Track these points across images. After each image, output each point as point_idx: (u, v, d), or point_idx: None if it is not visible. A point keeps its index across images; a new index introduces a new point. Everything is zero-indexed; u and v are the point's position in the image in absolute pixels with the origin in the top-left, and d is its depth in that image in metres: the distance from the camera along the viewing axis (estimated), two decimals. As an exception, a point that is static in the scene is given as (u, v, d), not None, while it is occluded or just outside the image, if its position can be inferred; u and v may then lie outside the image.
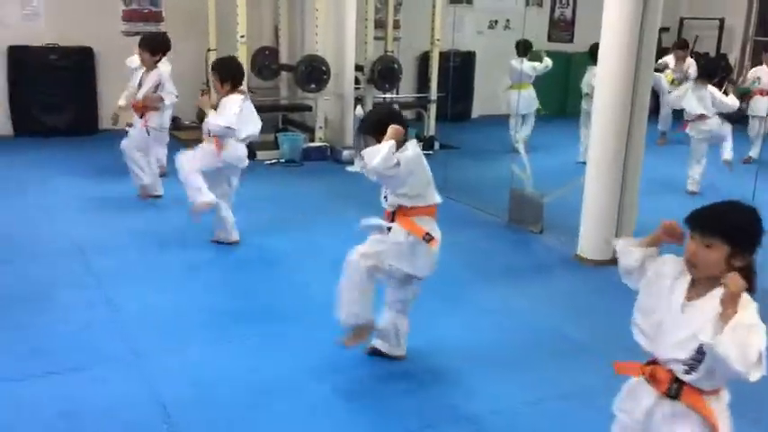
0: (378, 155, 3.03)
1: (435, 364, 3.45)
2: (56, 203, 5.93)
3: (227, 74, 4.76)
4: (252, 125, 4.92)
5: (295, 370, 3.37)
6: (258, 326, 3.84)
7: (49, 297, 4.06)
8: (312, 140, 8.32)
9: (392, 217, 3.24)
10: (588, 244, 5.08)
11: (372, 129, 3.21)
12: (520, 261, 5.21)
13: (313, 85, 8.10)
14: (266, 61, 9.16)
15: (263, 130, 8.70)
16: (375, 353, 3.47)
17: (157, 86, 6.04)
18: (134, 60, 6.57)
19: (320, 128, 8.34)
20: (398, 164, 3.04)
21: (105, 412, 2.95)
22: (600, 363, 3.59)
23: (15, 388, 3.10)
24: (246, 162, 5.00)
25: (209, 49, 8.53)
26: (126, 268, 4.60)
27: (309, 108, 8.66)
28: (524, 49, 8.74)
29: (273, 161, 7.92)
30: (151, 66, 6.03)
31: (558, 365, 3.57)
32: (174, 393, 3.12)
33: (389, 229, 3.22)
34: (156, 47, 6.08)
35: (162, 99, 6.05)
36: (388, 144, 3.05)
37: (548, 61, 8.73)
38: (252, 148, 7.96)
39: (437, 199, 3.26)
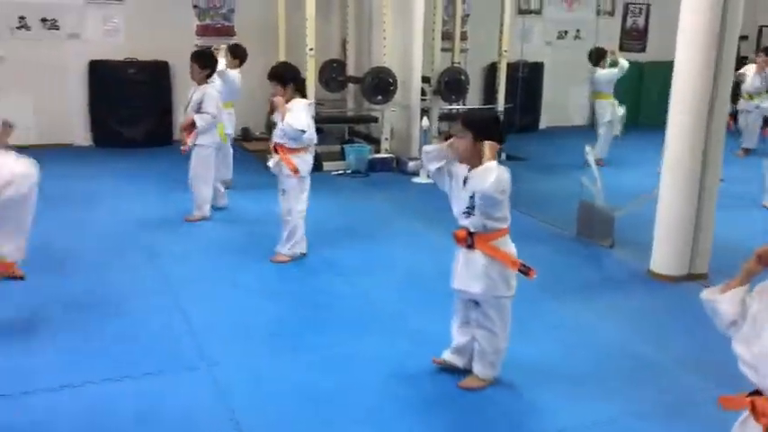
0: (489, 177, 2.95)
1: (502, 380, 3.40)
2: (131, 212, 6.13)
3: (286, 77, 4.79)
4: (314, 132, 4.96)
5: (363, 381, 3.37)
6: (326, 337, 3.86)
7: (126, 303, 4.19)
8: (378, 152, 8.36)
9: (470, 239, 3.14)
10: (662, 259, 4.92)
11: (475, 127, 3.08)
12: (589, 276, 5.09)
13: (380, 97, 8.16)
14: (333, 74, 9.30)
15: (330, 141, 8.95)
16: (446, 366, 3.45)
17: (200, 104, 5.76)
18: None
19: (386, 139, 8.38)
20: (504, 190, 3.01)
21: (178, 416, 3.03)
22: (674, 382, 3.48)
23: (94, 390, 3.21)
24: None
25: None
26: (198, 277, 4.71)
27: (375, 119, 8.73)
28: (597, 57, 8.57)
29: (340, 172, 8.00)
30: (200, 80, 5.84)
31: (630, 384, 3.46)
32: (243, 401, 3.16)
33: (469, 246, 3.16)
34: (205, 60, 5.94)
35: (193, 123, 5.73)
36: (495, 167, 2.97)
37: (623, 63, 8.49)
38: (318, 159, 8.09)
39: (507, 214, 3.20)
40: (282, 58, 8.65)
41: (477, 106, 10.18)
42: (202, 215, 5.91)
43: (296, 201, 4.91)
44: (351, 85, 9.37)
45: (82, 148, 9.06)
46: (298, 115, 4.67)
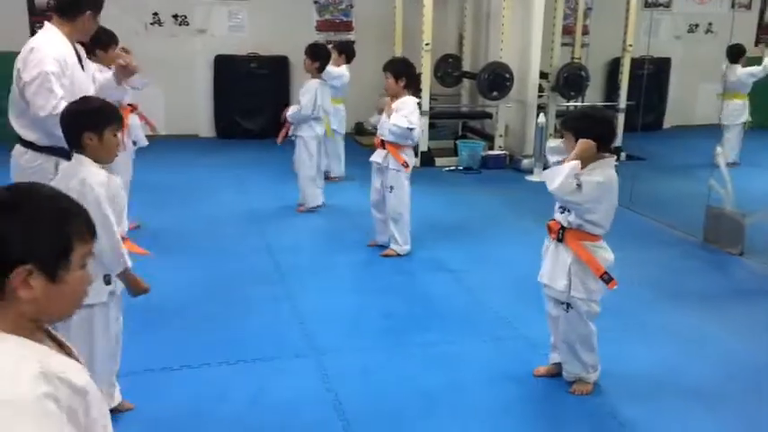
0: (557, 177, 2.85)
1: (613, 386, 3.24)
2: (247, 201, 6.35)
3: (400, 70, 4.78)
4: (420, 130, 4.98)
5: (469, 380, 3.32)
6: (433, 334, 3.83)
7: (239, 291, 4.33)
8: (491, 148, 8.23)
9: (561, 233, 3.04)
10: (798, 270, 4.56)
11: (574, 128, 2.97)
12: (716, 285, 4.78)
13: (495, 93, 8.02)
14: (449, 69, 9.23)
15: (443, 137, 8.91)
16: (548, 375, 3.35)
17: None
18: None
19: (500, 136, 8.23)
20: (579, 187, 2.84)
21: (285, 400, 3.09)
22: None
23: (210, 371, 3.33)
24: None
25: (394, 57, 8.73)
26: (308, 268, 4.79)
27: (490, 116, 8.59)
28: (736, 54, 8.03)
29: (452, 168, 7.93)
30: (312, 72, 5.91)
31: (753, 402, 3.21)
32: (350, 392, 3.18)
33: (559, 240, 3.05)
34: (316, 53, 5.98)
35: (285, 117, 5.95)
36: (569, 165, 2.84)
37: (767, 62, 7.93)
38: (430, 155, 8.08)
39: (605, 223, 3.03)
40: (399, 54, 8.70)
41: (597, 103, 9.81)
42: (308, 207, 6.02)
43: (405, 195, 4.91)
44: (466, 81, 9.27)
45: (206, 138, 9.49)
46: (406, 113, 4.66)
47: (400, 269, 4.83)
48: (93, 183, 2.49)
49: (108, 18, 8.43)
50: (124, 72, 3.56)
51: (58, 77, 3.19)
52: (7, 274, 1.24)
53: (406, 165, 4.82)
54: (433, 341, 3.73)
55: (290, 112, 5.95)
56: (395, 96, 4.77)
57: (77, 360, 1.41)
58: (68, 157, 3.25)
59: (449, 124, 9.28)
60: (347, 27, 9.77)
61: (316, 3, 9.62)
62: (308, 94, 5.84)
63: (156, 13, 9.08)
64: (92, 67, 3.77)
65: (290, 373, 3.35)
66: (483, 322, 3.98)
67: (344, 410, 3.03)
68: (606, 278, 2.98)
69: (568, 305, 3.08)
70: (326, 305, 4.17)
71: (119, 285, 2.70)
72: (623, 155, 8.40)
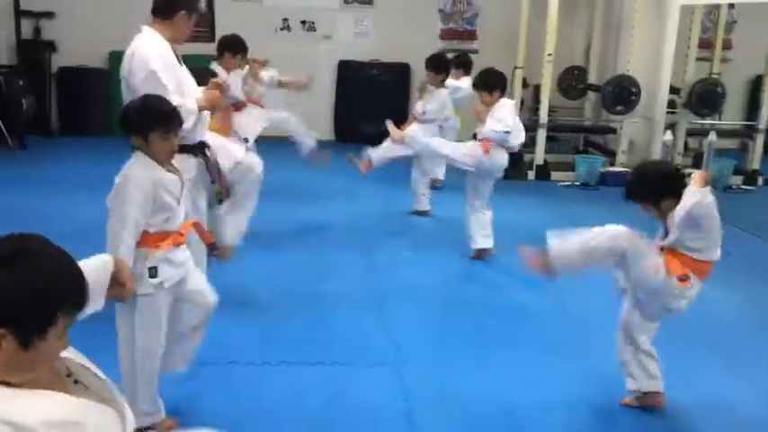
0: (701, 195, 2.79)
1: (707, 425, 2.98)
2: (357, 205, 6.45)
3: (494, 83, 4.76)
4: (521, 134, 4.85)
5: (552, 403, 3.16)
6: (522, 351, 3.69)
7: (330, 293, 4.36)
8: (612, 164, 7.86)
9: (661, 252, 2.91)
10: None
11: (642, 194, 2.99)
12: None
13: (619, 107, 7.66)
14: (573, 81, 8.93)
15: (562, 151, 8.62)
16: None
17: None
18: None
19: (622, 152, 7.85)
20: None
21: (358, 409, 3.05)
22: None
23: (289, 371, 3.36)
24: (502, 173, 4.98)
25: (515, 67, 8.56)
26: (404, 274, 4.77)
27: (614, 131, 8.22)
28: None
29: (568, 183, 7.65)
30: (437, 84, 5.98)
31: None
32: (424, 404, 3.12)
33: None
34: (439, 65, 6.03)
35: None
36: (704, 190, 2.80)
37: None
38: (546, 169, 7.84)
39: (716, 255, 2.86)
40: (521, 64, 8.53)
41: (736, 122, 9.14)
42: (420, 209, 6.05)
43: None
44: (590, 94, 8.93)
45: (325, 141, 9.68)
46: (500, 116, 4.60)
47: (499, 283, 4.70)
48: (129, 179, 2.50)
49: (240, 22, 8.94)
50: (217, 89, 3.68)
51: (166, 74, 3.34)
52: None
53: (486, 151, 4.71)
54: (519, 360, 3.58)
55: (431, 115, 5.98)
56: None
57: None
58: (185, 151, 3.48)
59: (570, 138, 8.97)
60: (471, 36, 9.69)
61: (440, 11, 9.62)
62: (437, 102, 5.97)
63: (285, 19, 9.42)
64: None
65: (368, 379, 3.32)
66: (576, 345, 3.78)
67: (416, 423, 2.96)
68: (682, 277, 2.83)
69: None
70: (416, 314, 4.12)
71: (168, 277, 2.60)
72: (760, 179, 7.78)
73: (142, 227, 2.49)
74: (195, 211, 3.52)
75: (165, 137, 2.57)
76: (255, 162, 4.23)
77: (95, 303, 1.70)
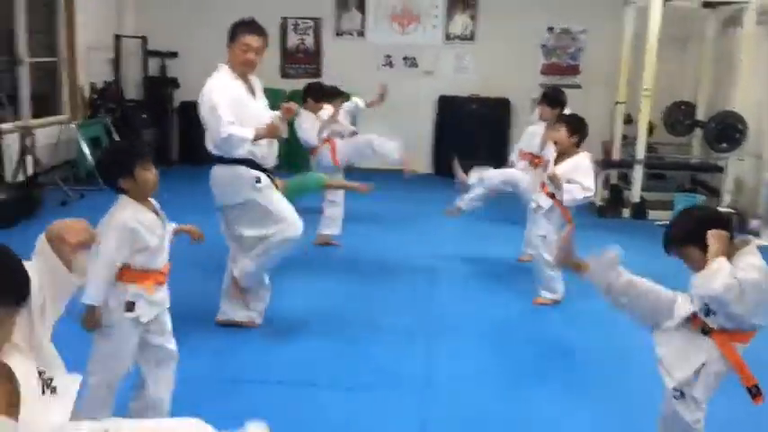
0: (715, 280, 2.28)
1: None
2: (441, 236, 6.54)
3: (577, 127, 4.59)
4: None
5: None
6: (556, 389, 3.60)
7: (386, 318, 4.46)
8: (717, 204, 7.41)
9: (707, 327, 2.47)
10: None
11: (682, 238, 2.48)
12: None
13: (724, 144, 7.25)
14: (681, 116, 8.54)
15: (664, 189, 8.23)
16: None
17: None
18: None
19: (728, 192, 7.39)
20: (744, 290, 2.27)
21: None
22: None
23: (316, 393, 3.47)
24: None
25: (617, 102, 8.34)
26: (458, 304, 4.82)
27: (720, 169, 7.76)
28: None
29: (665, 222, 7.28)
30: (553, 119, 5.47)
31: None
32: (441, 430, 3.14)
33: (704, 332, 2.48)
34: (555, 99, 5.79)
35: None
36: (722, 262, 2.30)
37: None
38: (643, 206, 7.53)
39: (764, 322, 2.43)
40: (623, 99, 8.30)
41: None
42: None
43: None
44: (698, 130, 8.49)
45: (424, 175, 9.84)
46: (582, 180, 4.46)
47: (553, 319, 4.60)
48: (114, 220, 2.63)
49: (345, 58, 9.32)
50: (287, 113, 3.93)
51: (224, 107, 3.62)
52: None
53: (569, 220, 4.60)
54: (550, 398, 3.50)
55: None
56: (563, 152, 4.57)
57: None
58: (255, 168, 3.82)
59: (673, 176, 8.56)
60: (573, 71, 9.54)
61: (543, 47, 9.55)
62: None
63: (388, 56, 9.72)
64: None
65: (390, 404, 3.36)
66: (628, 384, 3.64)
67: (426, 452, 2.98)
68: (755, 391, 2.43)
69: (681, 393, 2.52)
70: (463, 347, 4.12)
71: (143, 314, 2.67)
72: None
73: (117, 265, 2.59)
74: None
75: (147, 167, 2.69)
76: None
77: (65, 282, 1.79)
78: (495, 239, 6.37)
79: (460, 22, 9.57)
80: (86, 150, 7.86)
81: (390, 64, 9.71)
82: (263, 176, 3.85)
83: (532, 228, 4.89)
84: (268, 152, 3.86)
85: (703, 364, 2.47)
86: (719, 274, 2.28)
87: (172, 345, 2.84)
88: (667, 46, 7.65)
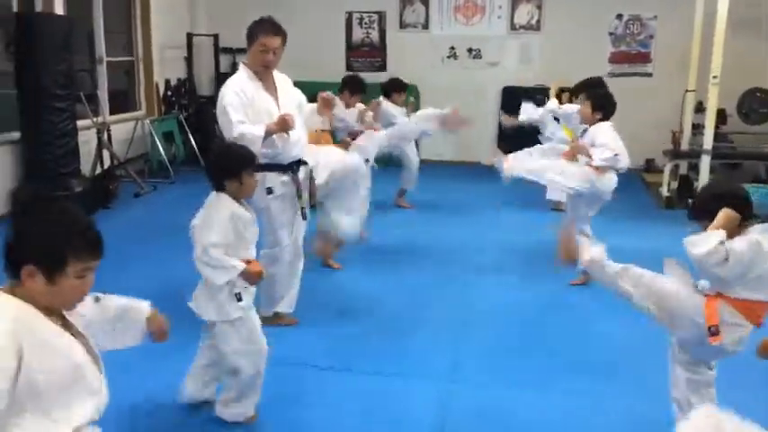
0: (702, 245, 2.45)
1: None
2: (497, 229, 6.56)
3: (601, 103, 4.69)
4: (625, 156, 4.70)
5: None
6: (586, 381, 3.57)
7: (425, 310, 4.53)
8: (792, 197, 7.06)
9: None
10: None
11: (701, 211, 2.62)
12: None
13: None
14: (755, 104, 8.16)
15: (740, 180, 7.88)
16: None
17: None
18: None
19: (804, 183, 7.03)
20: (727, 259, 2.42)
21: (391, 418, 3.20)
22: None
23: (346, 377, 3.58)
24: (610, 195, 4.79)
25: (687, 90, 8.05)
26: (501, 294, 4.83)
27: (796, 159, 7.39)
28: None
29: (733, 215, 7.01)
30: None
31: None
32: (459, 421, 3.18)
33: None
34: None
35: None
36: (716, 234, 2.45)
37: None
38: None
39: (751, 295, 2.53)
40: (692, 87, 8.02)
41: None
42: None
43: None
44: (776, 118, 8.10)
45: (487, 167, 9.78)
46: (610, 141, 4.53)
47: (592, 310, 4.56)
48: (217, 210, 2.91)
49: (409, 51, 9.38)
50: (325, 104, 4.04)
51: (235, 108, 3.72)
52: (20, 268, 1.68)
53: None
54: (578, 390, 3.48)
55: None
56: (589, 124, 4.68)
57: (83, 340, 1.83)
58: (278, 169, 3.93)
59: (746, 165, 8.19)
60: (644, 59, 9.26)
61: (611, 34, 9.31)
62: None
63: (452, 47, 9.71)
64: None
65: (413, 392, 3.42)
66: (653, 381, 3.56)
67: (442, 438, 3.04)
68: (713, 330, 2.55)
69: None
70: (493, 335, 4.15)
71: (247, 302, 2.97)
72: None
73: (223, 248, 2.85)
74: (295, 220, 4.06)
75: (253, 173, 2.99)
76: (351, 167, 4.56)
77: (125, 338, 2.22)
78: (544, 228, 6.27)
79: (526, 11, 9.45)
80: (159, 145, 8.26)
81: (455, 56, 9.71)
82: (277, 187, 3.91)
83: (571, 212, 4.88)
84: (284, 147, 3.85)
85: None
86: (707, 240, 2.45)
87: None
88: (740, 30, 7.33)
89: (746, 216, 2.55)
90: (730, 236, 2.48)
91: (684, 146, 7.87)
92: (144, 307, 2.24)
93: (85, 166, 7.22)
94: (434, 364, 3.74)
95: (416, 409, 3.27)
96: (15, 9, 6.73)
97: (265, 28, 3.81)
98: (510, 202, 7.53)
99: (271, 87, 3.92)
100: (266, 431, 3.11)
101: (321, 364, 3.72)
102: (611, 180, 4.70)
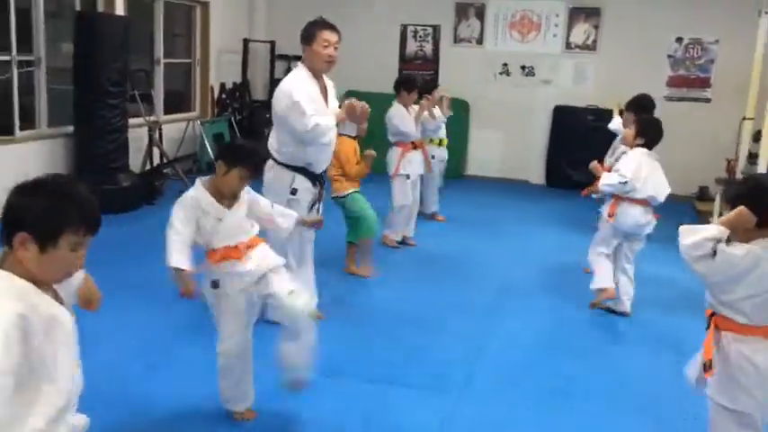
0: (693, 234, 2.32)
1: None
2: (530, 248, 6.46)
3: (647, 129, 4.48)
4: (657, 187, 4.43)
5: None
6: (600, 406, 3.47)
7: (447, 321, 4.49)
8: None
9: (710, 318, 2.44)
10: None
11: (730, 198, 2.41)
12: None
13: None
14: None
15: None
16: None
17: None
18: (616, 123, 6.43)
19: None
20: (713, 255, 2.27)
21: (393, 426, 3.17)
22: None
23: (354, 384, 3.56)
24: (650, 228, 4.53)
25: (744, 118, 7.77)
26: (524, 312, 4.75)
27: None
28: None
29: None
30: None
31: None
32: (460, 436, 3.15)
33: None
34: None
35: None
36: (714, 227, 2.31)
37: None
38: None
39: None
40: (750, 114, 7.74)
41: None
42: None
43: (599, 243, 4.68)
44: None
45: (535, 185, 9.68)
46: (623, 165, 4.40)
47: (610, 333, 4.47)
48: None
49: (462, 65, 9.36)
50: (350, 112, 4.03)
51: (306, 101, 3.79)
52: (14, 235, 1.71)
53: (610, 215, 4.46)
54: (595, 412, 3.39)
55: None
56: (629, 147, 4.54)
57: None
58: (306, 174, 3.99)
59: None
60: (703, 84, 8.99)
61: (670, 57, 9.08)
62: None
63: (505, 64, 9.64)
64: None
65: (421, 403, 3.40)
66: (669, 413, 3.44)
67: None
68: (707, 364, 2.36)
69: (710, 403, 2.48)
70: (510, 353, 4.08)
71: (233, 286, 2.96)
72: None
73: (188, 237, 2.89)
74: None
75: (244, 173, 2.93)
76: None
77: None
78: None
79: (582, 30, 9.31)
80: (208, 145, 8.46)
81: (507, 72, 9.63)
82: (301, 190, 3.97)
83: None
84: (316, 158, 3.97)
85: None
86: (698, 232, 2.31)
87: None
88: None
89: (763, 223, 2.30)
90: (744, 239, 2.29)
91: (738, 175, 7.58)
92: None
93: (136, 163, 7.45)
94: (447, 378, 3.70)
95: (418, 421, 3.24)
96: (78, 8, 7.03)
97: (326, 24, 3.92)
98: (554, 223, 7.42)
99: (323, 91, 4.00)
100: (264, 430, 3.13)
101: (330, 369, 3.71)
102: (626, 215, 4.46)
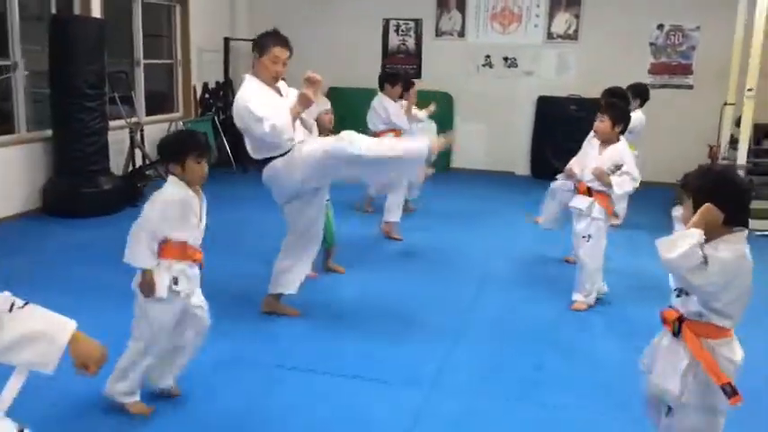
0: (675, 247, 2.14)
1: None
2: (511, 239, 6.46)
3: (620, 116, 4.45)
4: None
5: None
6: (573, 396, 3.47)
7: (425, 316, 4.49)
8: (833, 217, 6.75)
9: (677, 325, 2.35)
10: None
11: (694, 189, 2.27)
12: None
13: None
14: (798, 119, 7.83)
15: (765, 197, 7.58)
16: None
17: (619, 167, 4.43)
18: None
19: None
20: (705, 263, 2.14)
21: (363, 422, 3.17)
22: None
23: (328, 380, 3.56)
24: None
25: (725, 103, 7.80)
26: (500, 309, 4.73)
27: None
28: None
29: (766, 233, 6.75)
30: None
31: None
32: (429, 429, 3.14)
33: (674, 334, 2.37)
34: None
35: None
36: (693, 233, 2.15)
37: None
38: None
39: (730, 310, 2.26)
40: (731, 100, 7.77)
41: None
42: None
43: (600, 247, 4.55)
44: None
45: (521, 177, 9.68)
46: (628, 170, 4.39)
47: (585, 325, 4.46)
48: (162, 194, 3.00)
49: (444, 59, 9.36)
50: (301, 100, 3.96)
51: (257, 106, 3.83)
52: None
53: (615, 215, 4.44)
54: (566, 404, 3.39)
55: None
56: (606, 141, 4.44)
57: None
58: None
59: (788, 184, 7.85)
60: (685, 70, 9.00)
61: (652, 45, 9.08)
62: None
63: (488, 56, 9.64)
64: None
65: (391, 398, 3.40)
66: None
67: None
68: (728, 390, 2.25)
69: (669, 408, 2.43)
70: (486, 346, 4.08)
71: (184, 288, 3.02)
72: None
73: (159, 236, 2.92)
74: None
75: (198, 161, 2.99)
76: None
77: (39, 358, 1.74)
78: (563, 241, 6.16)
79: (563, 20, 9.31)
80: (191, 146, 8.43)
81: (490, 64, 9.63)
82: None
83: (576, 229, 4.70)
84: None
85: (686, 365, 2.32)
86: (680, 241, 2.15)
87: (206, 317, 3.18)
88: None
89: (735, 221, 2.23)
90: (710, 236, 2.19)
91: (720, 161, 7.60)
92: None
93: (118, 165, 7.42)
94: (418, 372, 3.69)
95: (388, 416, 3.24)
96: (54, 10, 7.00)
97: (278, 39, 3.95)
98: (539, 214, 7.39)
99: (277, 93, 4.04)
100: (232, 426, 3.13)
101: (303, 364, 3.72)
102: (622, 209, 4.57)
